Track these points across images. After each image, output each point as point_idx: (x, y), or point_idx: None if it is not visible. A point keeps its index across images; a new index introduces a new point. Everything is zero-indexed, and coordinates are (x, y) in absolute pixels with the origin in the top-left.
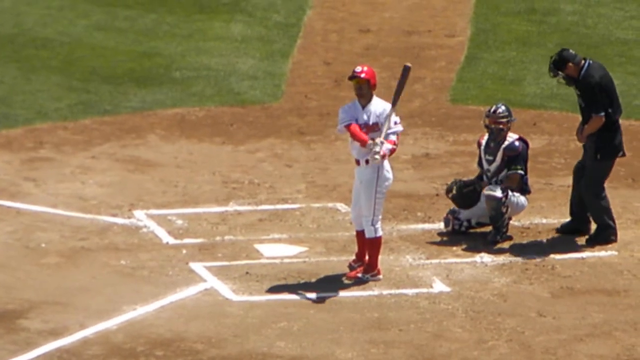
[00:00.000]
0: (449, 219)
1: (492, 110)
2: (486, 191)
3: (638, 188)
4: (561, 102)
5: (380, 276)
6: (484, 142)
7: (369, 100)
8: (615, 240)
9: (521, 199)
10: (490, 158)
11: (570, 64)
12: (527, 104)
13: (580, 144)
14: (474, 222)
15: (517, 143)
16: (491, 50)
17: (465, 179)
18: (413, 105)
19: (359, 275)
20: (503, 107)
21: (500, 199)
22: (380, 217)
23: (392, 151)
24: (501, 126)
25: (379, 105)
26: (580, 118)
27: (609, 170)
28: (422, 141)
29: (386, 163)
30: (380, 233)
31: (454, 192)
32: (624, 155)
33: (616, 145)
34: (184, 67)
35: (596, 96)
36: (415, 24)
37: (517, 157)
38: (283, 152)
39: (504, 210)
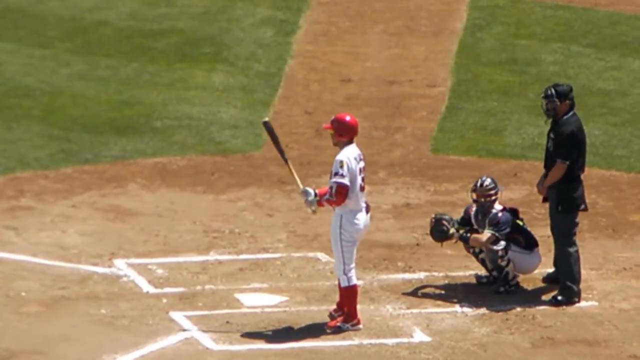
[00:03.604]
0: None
1: (478, 184)
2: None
3: (619, 238)
4: (542, 152)
5: (361, 326)
6: (472, 213)
7: (341, 148)
8: (578, 302)
9: (528, 256)
10: (481, 230)
11: (567, 102)
12: (507, 154)
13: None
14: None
15: (499, 214)
16: (472, 100)
17: (449, 221)
18: (394, 155)
19: (339, 324)
20: (489, 180)
21: (497, 252)
22: (352, 265)
23: (328, 202)
24: (490, 198)
25: (340, 154)
26: (543, 170)
27: (573, 223)
28: (402, 191)
29: (358, 213)
30: (354, 282)
31: (432, 223)
32: (586, 209)
33: (576, 198)
34: (165, 116)
35: (568, 144)
36: (397, 73)
37: (494, 222)
38: (264, 201)
39: (502, 263)
